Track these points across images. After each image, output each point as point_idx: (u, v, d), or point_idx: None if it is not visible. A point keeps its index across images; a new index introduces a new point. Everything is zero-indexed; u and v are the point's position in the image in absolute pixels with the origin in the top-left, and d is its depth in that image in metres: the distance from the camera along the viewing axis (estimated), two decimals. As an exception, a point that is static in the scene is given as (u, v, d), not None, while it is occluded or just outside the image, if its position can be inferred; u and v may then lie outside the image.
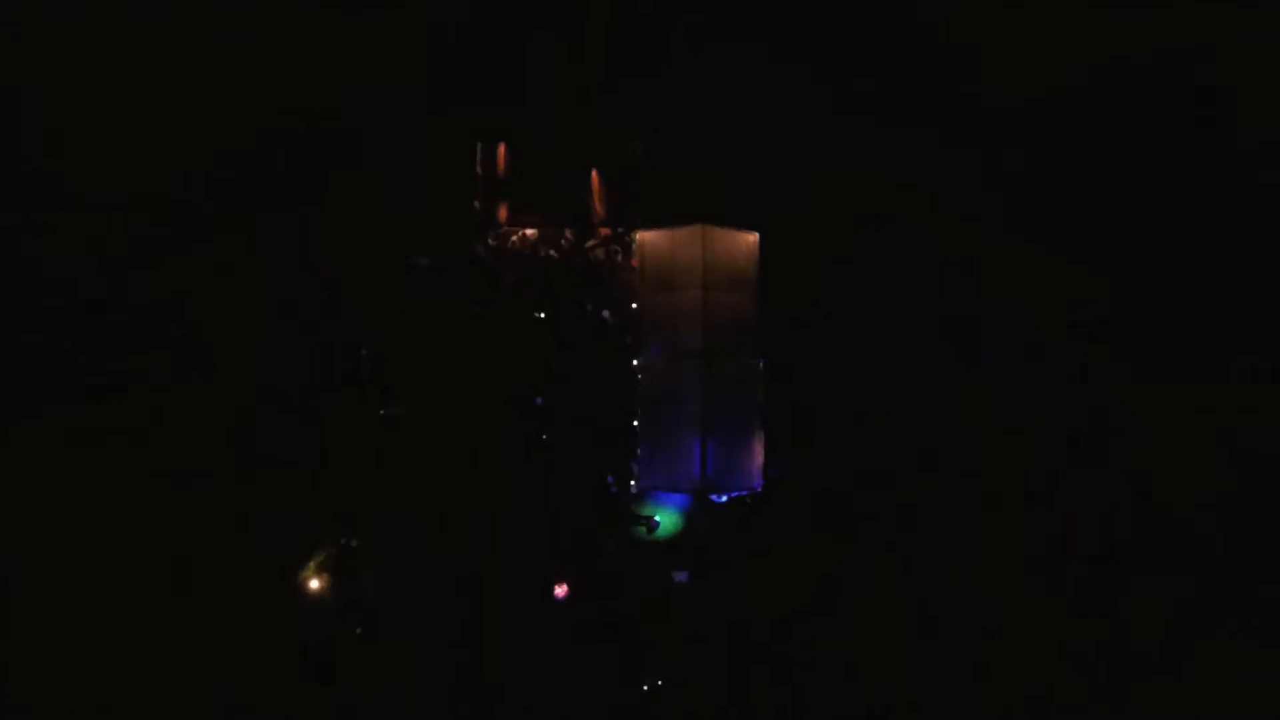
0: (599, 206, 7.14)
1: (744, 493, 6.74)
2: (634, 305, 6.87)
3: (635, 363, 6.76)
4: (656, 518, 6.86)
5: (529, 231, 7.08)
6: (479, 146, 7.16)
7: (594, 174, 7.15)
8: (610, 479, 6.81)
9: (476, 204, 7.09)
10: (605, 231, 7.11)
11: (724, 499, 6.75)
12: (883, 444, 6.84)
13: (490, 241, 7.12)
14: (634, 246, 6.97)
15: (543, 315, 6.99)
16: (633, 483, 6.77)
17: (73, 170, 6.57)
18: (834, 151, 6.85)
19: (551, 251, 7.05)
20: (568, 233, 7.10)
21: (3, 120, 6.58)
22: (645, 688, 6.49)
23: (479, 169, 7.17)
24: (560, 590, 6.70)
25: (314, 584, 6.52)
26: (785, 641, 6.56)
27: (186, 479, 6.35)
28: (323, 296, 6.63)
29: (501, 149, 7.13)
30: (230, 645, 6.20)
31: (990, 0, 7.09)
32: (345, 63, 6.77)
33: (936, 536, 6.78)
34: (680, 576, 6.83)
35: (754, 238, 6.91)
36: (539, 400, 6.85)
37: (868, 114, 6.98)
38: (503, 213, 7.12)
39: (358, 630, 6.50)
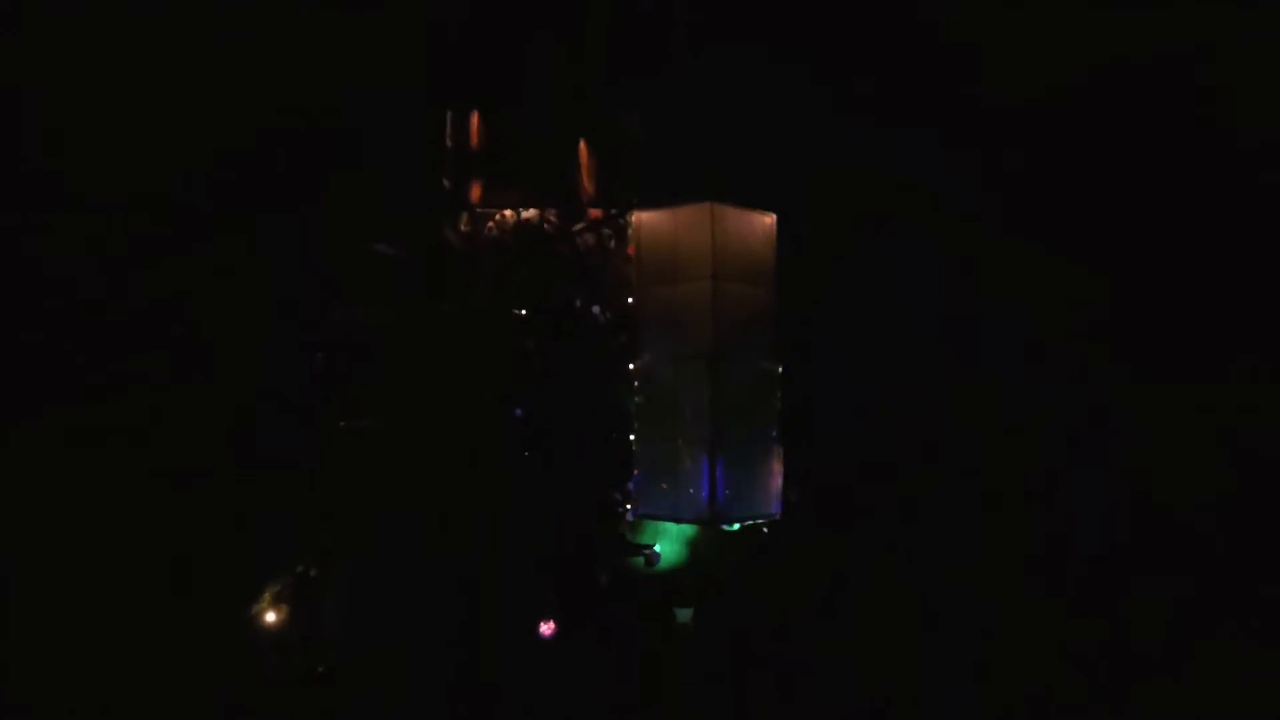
0: (588, 183, 6.38)
1: (760, 520, 6.14)
2: (630, 299, 6.21)
3: (631, 367, 6.11)
4: (656, 548, 6.26)
5: (507, 213, 6.36)
6: (448, 115, 6.43)
7: (582, 146, 6.41)
8: (617, 495, 6.08)
9: (445, 182, 6.39)
10: (595, 213, 6.37)
11: (736, 527, 6.12)
12: (883, 444, 6.83)
13: (462, 226, 6.36)
14: (629, 230, 6.24)
15: (523, 312, 6.25)
16: (629, 507, 6.11)
17: (73, 170, 6.57)
18: (834, 151, 6.84)
19: (533, 214, 6.24)
20: (552, 214, 6.35)
21: (3, 120, 6.59)
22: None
23: (448, 141, 6.41)
24: (546, 628, 6.14)
25: (270, 617, 6.20)
26: (786, 641, 6.55)
27: (186, 479, 6.34)
28: (323, 296, 6.61)
29: (474, 118, 6.43)
30: (230, 644, 6.20)
31: (990, 0, 7.10)
32: (345, 63, 6.76)
33: (937, 536, 6.77)
34: (684, 616, 6.27)
35: (770, 219, 6.27)
36: (519, 411, 6.16)
37: (868, 114, 6.98)
38: (476, 191, 6.38)
39: (320, 669, 6.08)
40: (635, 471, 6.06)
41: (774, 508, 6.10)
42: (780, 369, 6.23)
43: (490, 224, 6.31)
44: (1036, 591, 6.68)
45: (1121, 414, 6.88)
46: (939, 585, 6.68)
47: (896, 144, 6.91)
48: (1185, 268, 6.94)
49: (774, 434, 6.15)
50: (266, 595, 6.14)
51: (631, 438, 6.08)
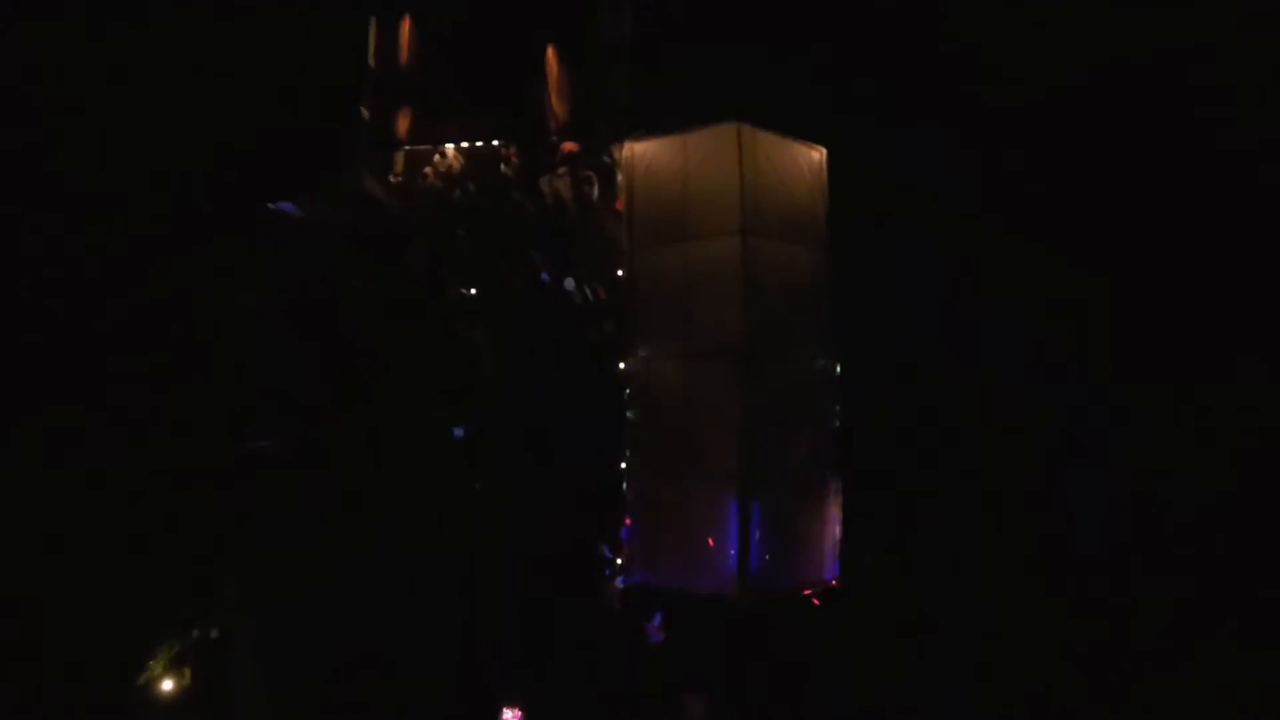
0: (558, 106, 4.51)
1: (810, 591, 4.29)
2: (619, 270, 4.40)
3: (622, 367, 4.35)
4: (658, 617, 4.69)
5: (449, 151, 4.55)
6: (372, 23, 4.69)
7: (550, 54, 4.55)
8: (604, 551, 4.46)
9: (365, 111, 4.66)
10: (570, 147, 4.51)
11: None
12: (882, 444, 6.83)
13: (392, 176, 4.52)
14: (618, 173, 4.29)
15: (471, 290, 4.47)
16: (619, 562, 4.35)
17: (73, 170, 6.58)
18: (834, 151, 6.83)
19: (484, 150, 4.11)
20: (510, 152, 4.51)
21: (3, 120, 6.59)
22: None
23: (370, 59, 4.67)
24: (512, 716, 4.99)
25: (166, 685, 5.32)
26: (785, 641, 6.53)
27: (186, 479, 6.35)
28: (322, 296, 6.60)
29: (405, 25, 4.70)
30: (230, 644, 6.19)
31: (990, 0, 7.10)
32: (345, 62, 6.76)
33: (937, 536, 6.77)
34: (695, 704, 4.96)
35: (819, 155, 4.46)
36: (459, 432, 4.51)
37: (868, 114, 6.98)
38: (403, 123, 4.66)
39: None
40: (627, 519, 4.27)
41: (830, 570, 4.25)
42: (838, 368, 4.37)
43: (429, 168, 4.50)
44: (1036, 591, 6.68)
45: (1121, 414, 6.88)
46: (939, 585, 6.68)
47: (896, 144, 6.92)
48: (1185, 267, 6.94)
49: (831, 463, 4.26)
50: (160, 661, 5.12)
51: (623, 467, 4.26)
